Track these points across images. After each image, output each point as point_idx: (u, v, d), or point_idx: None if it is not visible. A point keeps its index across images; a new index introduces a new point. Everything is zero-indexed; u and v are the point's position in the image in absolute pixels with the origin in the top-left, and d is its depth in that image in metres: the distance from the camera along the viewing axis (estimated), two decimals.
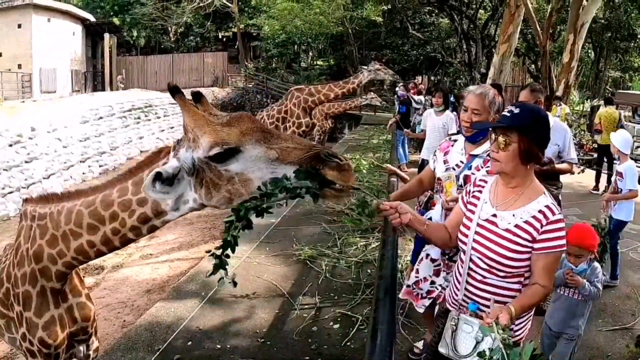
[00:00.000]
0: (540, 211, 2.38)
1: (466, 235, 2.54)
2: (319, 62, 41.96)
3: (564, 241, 2.38)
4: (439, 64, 36.16)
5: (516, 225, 2.40)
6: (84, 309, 3.13)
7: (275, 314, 5.05)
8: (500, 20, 22.93)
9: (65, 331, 3.02)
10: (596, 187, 11.00)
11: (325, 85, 11.97)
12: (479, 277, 2.52)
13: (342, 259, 6.31)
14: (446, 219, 3.41)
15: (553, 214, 2.38)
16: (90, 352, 3.41)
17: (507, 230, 2.41)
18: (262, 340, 4.57)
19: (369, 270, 5.97)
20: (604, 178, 11.07)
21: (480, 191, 2.61)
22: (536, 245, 2.37)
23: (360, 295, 5.36)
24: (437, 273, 3.77)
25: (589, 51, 30.21)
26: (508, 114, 2.37)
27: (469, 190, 2.68)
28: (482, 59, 29.68)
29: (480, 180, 2.67)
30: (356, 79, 11.52)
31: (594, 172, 11.56)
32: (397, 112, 13.98)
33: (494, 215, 2.47)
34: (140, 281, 8.96)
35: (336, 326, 4.80)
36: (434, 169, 3.72)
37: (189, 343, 4.50)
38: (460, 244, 2.61)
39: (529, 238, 2.37)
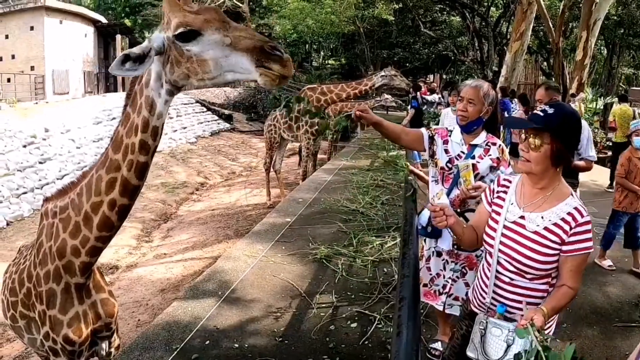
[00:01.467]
0: (569, 213, 2.37)
1: (493, 238, 2.53)
2: (330, 61, 41.99)
3: (591, 242, 2.36)
4: (451, 62, 36.10)
5: (545, 228, 2.39)
6: (108, 305, 3.16)
7: (292, 313, 5.03)
8: (512, 18, 22.88)
9: (89, 328, 3.04)
10: (611, 186, 10.86)
11: (337, 84, 11.96)
12: (506, 280, 2.51)
13: (358, 258, 6.30)
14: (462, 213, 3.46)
15: (582, 216, 2.36)
16: (112, 350, 3.43)
17: (535, 232, 2.40)
18: (280, 339, 4.56)
19: (385, 269, 5.96)
20: None
21: (505, 191, 2.59)
22: (565, 248, 2.36)
23: (377, 294, 5.35)
24: (444, 267, 3.87)
25: (602, 48, 30.05)
26: (542, 114, 2.34)
27: (493, 189, 2.66)
28: (494, 56, 29.61)
29: (504, 179, 2.66)
30: (369, 81, 11.50)
31: (608, 170, 11.44)
32: (410, 106, 13.99)
33: (522, 217, 2.46)
34: (155, 280, 9.01)
35: (353, 325, 4.79)
36: (433, 154, 3.79)
37: (207, 342, 4.49)
38: (486, 245, 2.59)
39: (558, 240, 2.36)
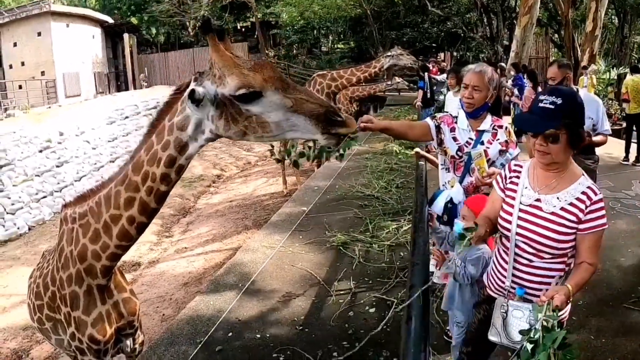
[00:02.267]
0: (583, 192, 2.45)
1: (509, 222, 2.59)
2: (339, 46, 41.75)
3: (605, 219, 2.45)
4: (461, 39, 35.73)
5: (562, 208, 2.46)
6: (130, 304, 3.26)
7: (311, 301, 5.11)
8: None
9: (113, 326, 3.14)
10: (626, 158, 10.71)
11: (347, 69, 11.99)
12: (525, 262, 2.57)
13: (374, 243, 6.35)
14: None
15: (595, 194, 2.45)
16: (137, 346, 3.54)
17: (552, 213, 2.48)
18: (301, 327, 4.64)
19: (401, 253, 6.00)
20: (634, 148, 10.80)
21: (517, 176, 2.65)
22: (581, 226, 2.44)
23: (394, 278, 5.40)
24: None
25: (613, 17, 29.58)
26: (552, 107, 2.38)
27: (505, 175, 2.72)
28: (504, 31, 29.29)
29: (515, 165, 2.72)
30: (378, 63, 11.53)
31: (623, 142, 11.27)
32: (417, 88, 13.90)
33: (538, 200, 2.53)
34: (177, 275, 9.11)
35: (372, 310, 4.85)
36: (441, 142, 3.76)
37: (230, 334, 4.58)
38: (502, 230, 2.65)
39: (575, 219, 2.44)
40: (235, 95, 2.31)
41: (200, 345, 4.39)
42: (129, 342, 3.44)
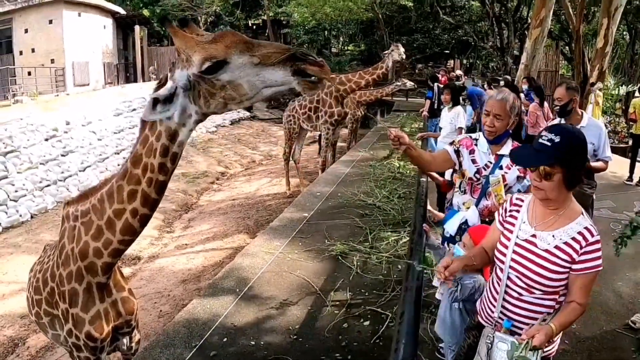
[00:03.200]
0: (579, 233, 2.43)
1: (504, 254, 2.60)
2: (349, 48, 41.84)
3: (601, 261, 2.43)
4: (471, 47, 35.76)
5: (556, 247, 2.45)
6: (128, 303, 3.32)
7: (307, 311, 5.12)
8: (533, 3, 22.56)
9: (111, 325, 3.20)
10: (630, 178, 10.65)
11: (355, 73, 12.12)
12: (515, 295, 2.57)
13: (373, 254, 6.35)
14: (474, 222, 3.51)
15: (592, 235, 2.42)
16: (133, 344, 3.61)
17: (546, 251, 2.47)
18: (295, 336, 4.66)
19: (399, 266, 5.99)
20: (638, 168, 10.73)
21: (517, 210, 2.65)
22: (575, 266, 2.42)
23: (390, 292, 5.40)
24: None
25: (624, 33, 29.51)
26: (549, 143, 2.37)
27: (506, 208, 2.72)
28: (515, 42, 29.30)
29: (517, 199, 2.72)
30: (383, 63, 11.71)
31: (628, 161, 11.16)
32: (425, 97, 13.96)
33: (533, 236, 2.52)
34: (176, 271, 9.16)
35: (366, 323, 4.86)
36: (459, 164, 3.79)
37: (225, 339, 4.60)
38: (497, 262, 2.66)
39: (568, 259, 2.42)
40: (203, 70, 2.38)
41: (195, 350, 4.41)
42: (125, 340, 3.51)
